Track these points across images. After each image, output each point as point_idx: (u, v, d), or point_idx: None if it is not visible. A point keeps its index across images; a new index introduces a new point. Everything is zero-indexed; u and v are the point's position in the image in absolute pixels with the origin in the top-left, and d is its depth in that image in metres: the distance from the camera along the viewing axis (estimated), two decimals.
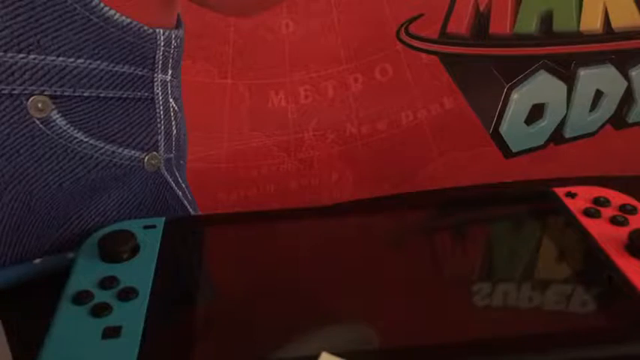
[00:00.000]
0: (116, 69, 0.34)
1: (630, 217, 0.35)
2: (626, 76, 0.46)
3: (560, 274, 0.33)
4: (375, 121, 0.44)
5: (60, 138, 0.33)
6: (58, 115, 0.33)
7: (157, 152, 0.37)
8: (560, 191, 0.38)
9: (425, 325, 0.29)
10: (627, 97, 0.46)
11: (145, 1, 0.35)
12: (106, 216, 0.37)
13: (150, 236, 0.34)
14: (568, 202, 0.37)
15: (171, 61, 0.36)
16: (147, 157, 0.37)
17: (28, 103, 0.32)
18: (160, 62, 0.36)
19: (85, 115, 0.34)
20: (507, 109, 0.45)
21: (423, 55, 0.42)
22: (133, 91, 0.35)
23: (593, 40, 0.44)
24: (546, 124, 0.46)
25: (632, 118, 0.47)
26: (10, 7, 0.30)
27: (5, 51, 0.31)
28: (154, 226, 0.35)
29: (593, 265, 0.33)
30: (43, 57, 0.32)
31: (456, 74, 0.43)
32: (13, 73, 0.31)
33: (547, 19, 0.43)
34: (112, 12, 0.33)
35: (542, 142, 0.47)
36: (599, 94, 0.46)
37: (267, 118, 0.41)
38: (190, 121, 0.39)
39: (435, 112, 0.44)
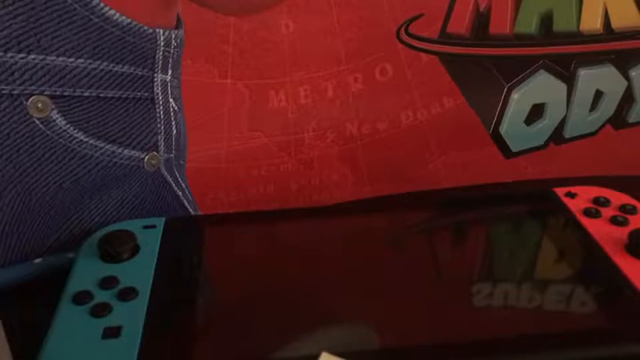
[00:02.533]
0: (116, 69, 0.34)
1: (630, 217, 0.35)
2: (626, 76, 0.46)
3: (560, 274, 0.33)
4: (375, 121, 0.44)
5: (60, 138, 0.33)
6: (58, 115, 0.33)
7: (157, 152, 0.37)
8: (560, 191, 0.38)
9: (425, 325, 0.29)
10: (627, 97, 0.46)
11: (145, 1, 0.35)
12: (106, 216, 0.37)
13: (150, 236, 0.34)
14: (568, 202, 0.37)
15: (171, 61, 0.36)
16: (147, 157, 0.37)
17: (28, 103, 0.32)
18: (160, 62, 0.36)
19: (85, 115, 0.34)
20: (507, 109, 0.45)
21: (423, 55, 0.42)
22: (133, 91, 0.35)
23: (593, 40, 0.44)
24: (546, 124, 0.46)
25: (632, 118, 0.47)
26: (10, 7, 0.30)
27: (5, 51, 0.31)
28: (153, 226, 0.35)
29: (593, 265, 0.33)
30: (43, 57, 0.32)
31: (456, 74, 0.43)
32: (13, 73, 0.31)
33: (547, 19, 0.43)
34: (112, 12, 0.33)
35: (542, 142, 0.47)
36: (599, 94, 0.46)
37: (267, 118, 0.41)
38: (190, 121, 0.39)
39: (435, 112, 0.44)
